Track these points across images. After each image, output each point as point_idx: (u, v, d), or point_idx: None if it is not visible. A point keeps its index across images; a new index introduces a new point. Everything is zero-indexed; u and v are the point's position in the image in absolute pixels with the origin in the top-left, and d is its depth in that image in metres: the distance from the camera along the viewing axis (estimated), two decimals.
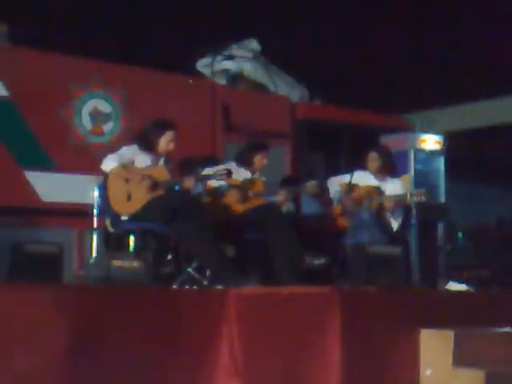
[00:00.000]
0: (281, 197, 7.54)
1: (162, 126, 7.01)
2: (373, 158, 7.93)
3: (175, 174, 7.14)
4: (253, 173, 7.63)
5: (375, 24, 13.27)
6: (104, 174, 6.93)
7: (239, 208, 7.33)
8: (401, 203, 7.66)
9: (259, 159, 7.67)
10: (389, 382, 5.38)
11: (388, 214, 7.62)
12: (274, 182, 8.02)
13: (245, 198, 7.38)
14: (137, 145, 6.97)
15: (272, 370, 5.53)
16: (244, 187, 7.45)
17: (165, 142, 6.97)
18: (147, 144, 6.94)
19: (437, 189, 10.49)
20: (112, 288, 5.88)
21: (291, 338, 5.46)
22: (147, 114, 7.42)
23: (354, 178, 7.75)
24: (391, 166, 8.03)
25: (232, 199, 7.35)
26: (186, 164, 7.99)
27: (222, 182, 7.24)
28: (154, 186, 6.76)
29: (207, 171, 7.29)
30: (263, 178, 7.70)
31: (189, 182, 6.87)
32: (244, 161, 7.67)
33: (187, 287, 6.68)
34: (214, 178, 7.10)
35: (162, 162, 7.05)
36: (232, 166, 7.55)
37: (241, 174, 7.56)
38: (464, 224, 12.59)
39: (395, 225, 7.68)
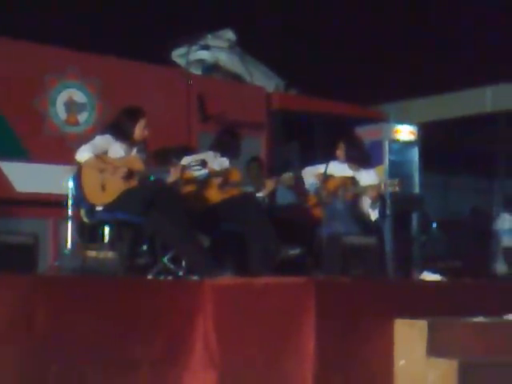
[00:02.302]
0: (268, 188, 7.58)
1: (136, 113, 6.99)
2: (341, 148, 7.96)
3: (150, 164, 7.12)
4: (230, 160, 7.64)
5: (351, 15, 13.31)
6: (78, 165, 6.90)
7: (216, 198, 7.33)
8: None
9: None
10: (363, 372, 5.41)
11: (369, 204, 7.64)
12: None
13: (225, 185, 7.37)
14: (110, 134, 6.93)
15: (247, 360, 5.54)
16: (220, 177, 7.44)
17: (140, 129, 6.95)
18: (123, 133, 6.91)
19: (411, 179, 10.55)
20: (86, 278, 5.87)
21: (266, 328, 5.47)
22: (122, 104, 7.39)
23: (328, 169, 7.76)
24: (363, 156, 8.04)
25: (213, 186, 7.34)
26: (161, 154, 7.97)
27: (202, 172, 7.22)
28: (129, 174, 6.73)
29: (185, 160, 7.29)
30: (238, 169, 7.70)
31: (175, 172, 6.85)
32: (223, 148, 7.67)
33: (162, 278, 6.68)
34: (189, 168, 7.08)
35: (135, 151, 7.03)
36: (209, 154, 7.55)
37: (218, 163, 7.55)
38: (438, 215, 12.69)
39: (374, 215, 7.71)
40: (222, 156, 7.63)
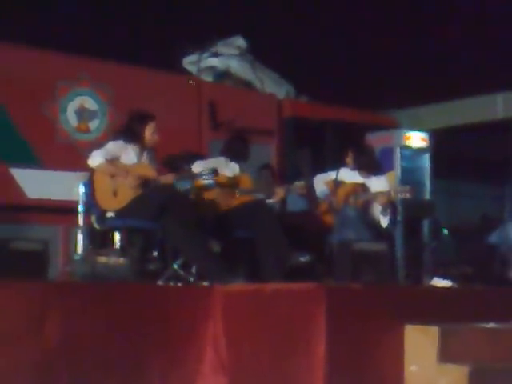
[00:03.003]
0: (279, 195, 7.59)
1: (144, 117, 7.03)
2: (350, 156, 7.97)
3: (160, 171, 7.14)
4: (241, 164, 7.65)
5: (362, 22, 13.30)
6: (90, 170, 6.92)
7: (227, 205, 7.34)
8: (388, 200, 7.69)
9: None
10: (374, 378, 5.40)
11: (380, 211, 7.64)
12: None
13: (231, 198, 7.39)
14: (121, 138, 6.95)
15: (257, 366, 5.54)
16: (231, 184, 7.45)
17: (149, 133, 6.98)
18: (132, 135, 6.94)
19: (422, 186, 10.53)
20: (97, 284, 5.88)
21: (276, 334, 5.47)
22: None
23: (339, 176, 7.77)
24: (372, 163, 8.04)
25: (218, 198, 7.36)
26: (171, 161, 7.99)
27: (210, 181, 7.23)
28: (142, 182, 6.75)
29: (196, 166, 7.31)
30: (250, 175, 7.71)
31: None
32: (234, 153, 7.69)
33: (173, 284, 6.68)
34: (200, 177, 7.09)
35: (145, 157, 7.04)
36: (220, 160, 7.57)
37: (229, 169, 7.57)
38: (449, 221, 12.65)
39: (384, 222, 7.70)
40: (233, 161, 7.65)
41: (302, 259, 6.99)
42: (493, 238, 10.89)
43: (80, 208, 7.11)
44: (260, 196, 7.60)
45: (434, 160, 10.74)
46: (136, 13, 13.03)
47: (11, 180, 8.18)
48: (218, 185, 7.29)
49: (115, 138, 7.03)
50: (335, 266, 6.57)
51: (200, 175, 7.05)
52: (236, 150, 7.71)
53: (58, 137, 8.53)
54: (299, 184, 7.60)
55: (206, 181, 7.14)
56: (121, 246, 6.88)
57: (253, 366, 5.55)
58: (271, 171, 8.95)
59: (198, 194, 7.29)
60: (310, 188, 8.06)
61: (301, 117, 10.41)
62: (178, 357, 5.58)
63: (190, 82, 9.56)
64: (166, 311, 5.62)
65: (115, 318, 5.43)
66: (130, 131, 6.95)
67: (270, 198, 7.61)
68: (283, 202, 8.21)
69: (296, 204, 8.55)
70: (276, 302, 5.54)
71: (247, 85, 10.69)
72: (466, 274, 9.79)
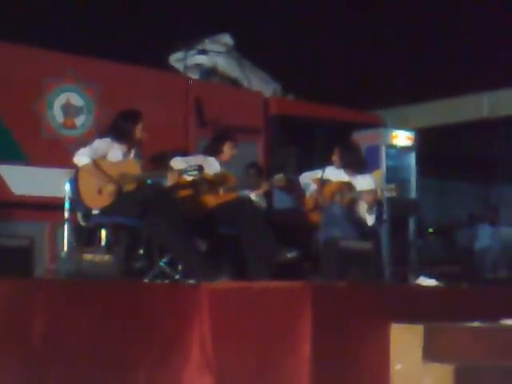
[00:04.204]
0: (262, 189, 7.60)
1: (135, 115, 7.04)
2: (336, 154, 7.99)
3: (146, 168, 7.13)
4: (221, 163, 7.64)
5: (349, 22, 13.31)
6: (76, 168, 6.91)
7: (212, 202, 7.33)
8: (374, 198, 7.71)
9: (227, 149, 7.68)
10: (359, 377, 5.41)
11: (366, 209, 7.65)
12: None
13: (216, 195, 7.38)
14: (110, 137, 6.95)
15: (243, 364, 5.54)
16: (216, 182, 7.45)
17: (138, 131, 7.00)
18: (122, 135, 6.94)
19: (408, 184, 10.55)
20: (83, 282, 5.86)
21: (263, 332, 5.48)
22: (120, 108, 7.39)
23: (325, 174, 7.78)
24: (358, 161, 8.06)
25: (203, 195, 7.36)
26: (157, 159, 7.98)
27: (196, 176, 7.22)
28: (118, 192, 6.75)
29: (177, 161, 7.31)
30: (233, 173, 7.70)
31: (173, 177, 6.87)
32: (213, 151, 7.68)
33: (159, 281, 6.67)
34: (185, 173, 7.08)
35: (132, 155, 7.04)
36: (201, 158, 7.56)
37: (212, 166, 7.56)
38: (434, 220, 12.69)
39: (370, 220, 7.71)
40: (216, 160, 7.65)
41: (289, 256, 6.99)
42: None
43: (66, 205, 7.09)
44: (244, 193, 7.60)
45: (420, 159, 10.77)
46: (123, 10, 13.00)
47: None
48: (203, 182, 7.28)
49: (103, 135, 7.03)
50: (321, 264, 6.58)
51: (185, 171, 7.04)
52: (217, 149, 7.69)
53: (44, 133, 8.49)
54: (279, 177, 7.59)
55: (192, 175, 7.14)
56: (106, 243, 6.87)
57: (239, 364, 5.55)
58: (258, 170, 8.94)
59: (183, 192, 7.28)
60: (296, 185, 8.07)
61: (287, 115, 10.40)
62: (164, 355, 5.58)
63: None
64: (152, 309, 5.62)
65: (101, 316, 5.42)
66: (119, 130, 6.95)
67: (254, 191, 7.60)
68: (269, 198, 8.22)
69: (282, 201, 8.56)
70: (262, 300, 5.54)
71: (234, 82, 10.68)
72: (452, 272, 9.83)
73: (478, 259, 10.87)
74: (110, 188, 6.72)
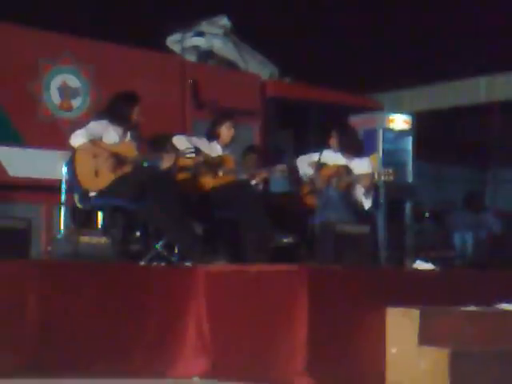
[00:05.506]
0: (261, 177, 7.59)
1: (132, 98, 7.03)
2: (334, 137, 7.98)
3: (143, 150, 7.12)
4: (223, 146, 7.61)
5: (347, 5, 13.28)
6: (72, 150, 6.89)
7: (210, 184, 7.32)
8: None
9: (225, 130, 7.65)
10: (355, 360, 5.43)
11: (363, 193, 7.65)
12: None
13: (214, 177, 7.37)
14: (107, 120, 6.92)
15: (239, 347, 5.56)
16: (215, 164, 7.43)
17: (135, 113, 6.99)
18: (120, 117, 6.92)
19: (405, 168, 10.55)
20: (79, 264, 5.87)
21: (259, 315, 5.49)
22: (116, 89, 7.36)
23: (322, 157, 7.77)
24: (355, 145, 8.05)
25: (207, 173, 7.35)
26: (155, 140, 7.96)
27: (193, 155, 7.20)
28: (119, 164, 6.72)
29: (180, 139, 7.29)
30: (233, 156, 7.69)
31: (169, 159, 6.85)
32: (212, 134, 7.66)
33: (155, 264, 6.68)
34: (182, 155, 7.07)
35: (129, 137, 7.03)
36: (203, 141, 7.55)
37: (214, 150, 7.54)
38: (431, 204, 12.69)
39: (367, 204, 7.72)
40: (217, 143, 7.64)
41: (285, 240, 7.00)
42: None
43: (63, 187, 7.09)
44: (243, 176, 7.59)
45: (417, 143, 10.76)
46: None
47: None
48: (202, 164, 7.27)
49: (99, 117, 7.00)
50: (318, 247, 6.59)
51: (183, 153, 7.03)
52: (215, 132, 7.66)
53: (40, 115, 8.46)
54: (281, 167, 7.61)
55: (187, 159, 7.13)
56: (103, 225, 6.86)
57: (235, 346, 5.57)
58: (257, 154, 8.91)
59: (180, 174, 7.27)
60: (293, 169, 8.06)
61: (284, 98, 10.38)
62: (160, 337, 5.59)
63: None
64: (149, 291, 5.63)
65: (97, 298, 5.44)
66: (115, 112, 6.93)
67: (252, 179, 7.60)
68: (266, 183, 8.20)
69: (279, 185, 8.55)
70: (259, 283, 5.56)
71: (231, 65, 10.65)
72: (448, 256, 9.85)
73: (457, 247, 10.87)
74: (110, 162, 6.68)
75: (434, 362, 5.25)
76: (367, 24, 13.41)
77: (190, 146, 7.11)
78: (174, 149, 7.10)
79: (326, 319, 5.34)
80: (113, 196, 6.73)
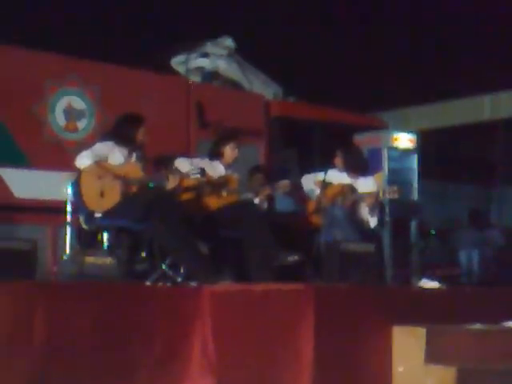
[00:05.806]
0: (265, 194, 7.59)
1: (137, 119, 7.06)
2: (339, 157, 7.99)
3: (148, 171, 7.13)
4: (225, 166, 7.62)
5: (350, 23, 13.33)
6: (78, 171, 6.91)
7: (214, 204, 7.33)
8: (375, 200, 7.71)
9: (229, 151, 7.65)
10: (362, 379, 5.41)
11: (368, 211, 7.66)
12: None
13: (218, 198, 7.38)
14: (112, 141, 6.95)
15: (245, 367, 5.55)
16: (219, 184, 7.44)
17: (141, 135, 7.02)
18: (125, 138, 6.95)
19: (410, 187, 10.55)
20: (85, 284, 5.87)
21: (265, 334, 5.48)
22: (122, 111, 7.40)
23: (327, 176, 7.78)
24: (360, 164, 8.06)
25: (211, 193, 7.35)
26: (159, 161, 7.98)
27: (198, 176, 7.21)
28: (124, 185, 6.74)
29: (182, 161, 7.30)
30: (237, 175, 7.70)
31: (174, 180, 6.87)
32: (215, 154, 7.67)
33: (161, 284, 6.68)
34: (187, 176, 7.09)
35: (134, 158, 7.05)
36: (205, 161, 7.56)
37: (216, 170, 7.56)
38: (436, 222, 12.69)
39: (372, 222, 7.72)
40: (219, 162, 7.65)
41: (290, 259, 7.00)
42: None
43: (68, 208, 7.10)
44: (247, 196, 7.60)
45: (422, 161, 10.78)
46: (125, 13, 13.01)
47: None
48: (206, 184, 7.29)
49: (105, 139, 7.03)
50: (323, 266, 6.58)
51: (187, 174, 7.05)
52: (218, 151, 7.66)
53: (45, 136, 8.50)
54: (284, 183, 7.62)
55: (192, 179, 7.15)
56: (109, 246, 6.87)
57: (241, 366, 5.55)
58: (262, 173, 8.90)
59: (185, 195, 7.28)
60: (298, 188, 8.07)
61: (289, 117, 10.42)
62: (165, 357, 5.58)
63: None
64: (155, 311, 5.62)
65: (103, 319, 5.43)
66: (121, 134, 6.96)
67: (256, 197, 7.61)
68: (271, 201, 8.21)
69: (284, 204, 8.56)
70: (264, 303, 5.55)
71: (235, 85, 10.69)
72: (454, 275, 9.83)
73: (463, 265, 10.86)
74: (117, 183, 6.70)
75: (440, 380, 5.23)
76: (371, 43, 13.45)
77: (193, 167, 7.13)
78: (177, 171, 7.11)
79: (333, 338, 5.32)
80: (118, 216, 6.75)
